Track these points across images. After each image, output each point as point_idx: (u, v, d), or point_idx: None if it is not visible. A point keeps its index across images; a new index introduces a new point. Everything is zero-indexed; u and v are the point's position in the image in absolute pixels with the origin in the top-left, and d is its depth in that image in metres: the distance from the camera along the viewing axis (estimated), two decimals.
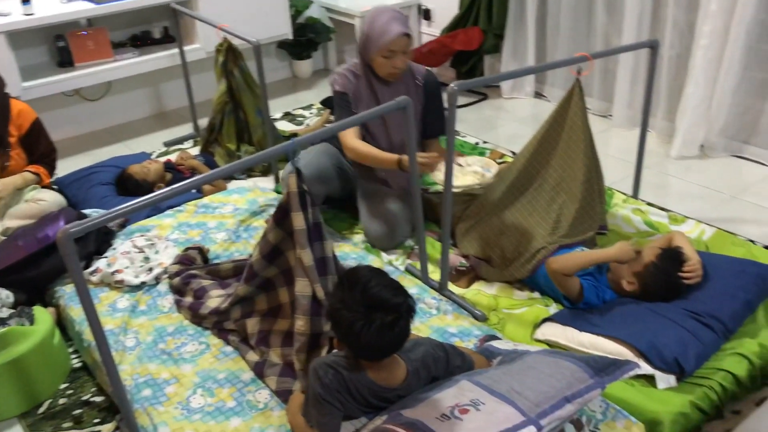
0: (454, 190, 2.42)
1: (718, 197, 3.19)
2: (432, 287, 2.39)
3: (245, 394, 1.94)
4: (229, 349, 2.12)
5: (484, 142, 3.82)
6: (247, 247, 2.63)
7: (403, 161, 2.48)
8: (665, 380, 1.91)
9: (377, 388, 1.59)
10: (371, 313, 1.48)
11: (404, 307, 1.52)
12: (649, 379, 1.94)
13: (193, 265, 2.47)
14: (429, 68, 2.80)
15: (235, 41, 3.32)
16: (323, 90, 4.74)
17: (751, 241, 2.76)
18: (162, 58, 3.93)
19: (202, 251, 2.57)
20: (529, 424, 1.50)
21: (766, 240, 2.81)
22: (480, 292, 2.40)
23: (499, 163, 3.35)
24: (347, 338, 1.53)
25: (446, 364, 1.69)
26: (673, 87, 3.62)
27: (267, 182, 3.35)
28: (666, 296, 2.14)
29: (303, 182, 1.86)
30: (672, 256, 2.17)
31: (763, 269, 2.24)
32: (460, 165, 2.60)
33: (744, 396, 2.03)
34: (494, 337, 2.09)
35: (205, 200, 3.01)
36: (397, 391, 1.60)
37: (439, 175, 2.48)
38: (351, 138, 2.60)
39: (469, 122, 4.13)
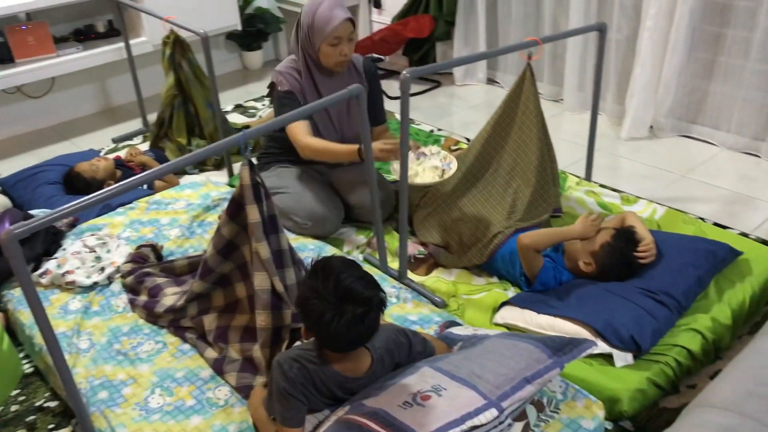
0: (416, 183, 2.43)
1: (668, 177, 3.25)
2: (391, 276, 2.38)
3: (205, 391, 1.90)
4: (186, 347, 2.08)
5: (439, 130, 3.83)
6: (201, 243, 2.59)
7: (363, 151, 2.46)
8: (622, 358, 1.95)
9: (342, 379, 1.58)
10: (342, 305, 1.46)
11: (375, 301, 1.50)
12: (607, 358, 1.97)
13: (147, 263, 2.41)
14: (376, 55, 2.79)
15: (183, 33, 3.25)
16: None
17: (701, 218, 2.82)
18: (107, 52, 3.82)
19: (155, 249, 2.52)
20: (490, 406, 1.51)
21: (715, 217, 2.88)
22: (439, 279, 2.41)
23: (454, 150, 3.37)
24: (316, 328, 1.51)
25: (408, 350, 1.69)
26: (622, 70, 3.68)
27: (220, 176, 3.30)
28: (621, 275, 2.18)
29: (256, 174, 1.83)
30: (626, 236, 2.20)
31: (713, 245, 2.30)
32: (425, 154, 2.57)
33: (698, 370, 2.08)
34: (454, 323, 2.09)
35: (157, 196, 2.95)
36: (362, 381, 1.60)
37: (398, 166, 2.46)
38: (304, 136, 2.51)
39: (423, 110, 4.13)
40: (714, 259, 2.24)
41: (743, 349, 1.68)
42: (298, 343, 1.79)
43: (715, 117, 3.48)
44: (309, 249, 2.51)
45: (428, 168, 2.51)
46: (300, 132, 2.52)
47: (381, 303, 1.52)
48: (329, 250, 2.52)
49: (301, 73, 2.58)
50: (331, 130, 2.65)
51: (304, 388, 1.55)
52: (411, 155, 2.52)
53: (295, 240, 2.52)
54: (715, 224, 2.78)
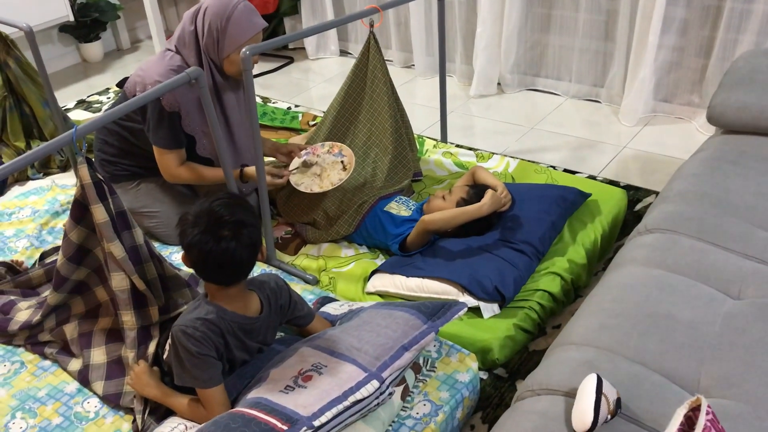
0: (328, 187, 2.38)
1: (518, 130, 3.38)
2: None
3: (72, 406, 1.80)
4: (47, 363, 1.95)
5: (296, 106, 3.78)
6: (56, 251, 2.42)
7: (246, 173, 2.34)
8: (489, 309, 2.02)
9: (241, 320, 1.59)
10: (206, 223, 1.50)
11: (241, 230, 1.51)
12: (476, 311, 2.03)
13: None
14: None
15: (5, 29, 3.00)
16: (118, 72, 4.45)
17: (552, 166, 2.96)
18: None
19: (10, 265, 2.31)
20: (371, 378, 1.53)
21: (564, 163, 3.04)
22: (308, 256, 2.39)
23: (312, 126, 3.35)
24: (182, 243, 1.54)
25: (289, 296, 1.72)
26: (467, 31, 3.77)
27: (67, 178, 3.10)
28: (480, 228, 2.24)
29: (96, 171, 1.73)
30: (479, 190, 2.27)
31: (563, 191, 2.42)
32: (312, 154, 2.51)
33: (561, 310, 2.19)
34: (328, 299, 2.09)
35: None
36: (257, 322, 1.63)
37: (297, 179, 2.43)
38: (175, 166, 2.31)
39: (278, 87, 4.07)
40: (564, 203, 2.36)
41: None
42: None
43: (557, 68, 3.64)
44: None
45: (328, 165, 2.45)
46: (171, 159, 2.31)
47: (241, 230, 1.51)
48: None
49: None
50: (226, 137, 2.40)
51: (216, 342, 1.56)
52: (299, 160, 2.48)
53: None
54: (565, 170, 2.93)
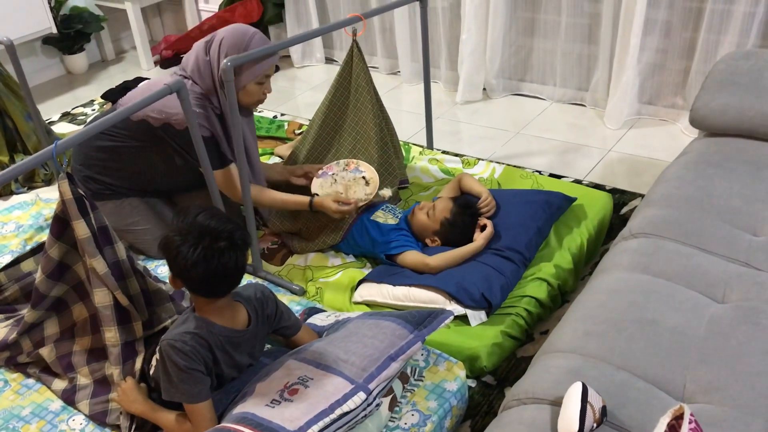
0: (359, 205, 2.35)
1: (504, 135, 3.39)
2: (246, 273, 2.32)
3: (57, 425, 1.78)
4: (31, 381, 1.93)
5: (282, 115, 3.77)
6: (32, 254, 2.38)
7: (316, 203, 2.31)
8: (476, 317, 2.02)
9: (229, 333, 1.58)
10: (199, 239, 1.48)
11: (230, 234, 1.50)
12: (463, 319, 2.03)
13: None
14: None
15: None
16: (103, 83, 4.43)
17: (538, 171, 2.96)
18: None
19: None
20: (358, 390, 1.53)
21: (550, 168, 3.04)
22: (294, 267, 2.38)
23: (298, 134, 3.34)
24: (178, 267, 1.51)
25: (275, 306, 1.71)
26: (451, 37, 3.77)
27: (52, 192, 3.07)
28: (466, 241, 2.24)
29: (77, 186, 1.71)
30: (463, 205, 2.27)
31: (548, 196, 2.41)
32: (327, 173, 2.46)
33: (549, 316, 2.19)
34: (315, 309, 2.08)
35: None
36: (246, 335, 1.62)
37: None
38: (252, 188, 2.29)
39: None
40: (550, 208, 2.36)
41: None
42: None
43: (542, 73, 3.65)
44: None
45: (351, 182, 2.42)
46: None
47: (243, 240, 1.52)
48: None
49: (208, 109, 2.23)
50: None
51: (205, 357, 1.55)
52: (320, 180, 2.44)
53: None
54: (551, 175, 2.93)
